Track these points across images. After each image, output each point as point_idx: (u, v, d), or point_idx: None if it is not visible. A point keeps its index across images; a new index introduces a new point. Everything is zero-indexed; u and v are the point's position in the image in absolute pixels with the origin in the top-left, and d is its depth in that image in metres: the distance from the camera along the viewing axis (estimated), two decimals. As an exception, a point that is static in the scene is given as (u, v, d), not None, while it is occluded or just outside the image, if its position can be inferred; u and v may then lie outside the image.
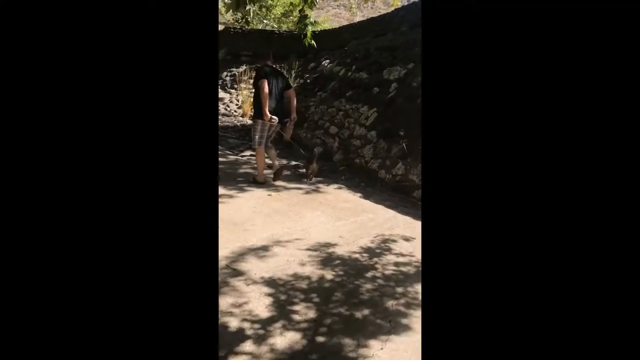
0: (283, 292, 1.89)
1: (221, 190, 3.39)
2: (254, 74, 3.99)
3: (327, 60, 6.56)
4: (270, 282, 1.97)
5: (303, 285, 1.97)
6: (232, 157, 4.75)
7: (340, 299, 1.87)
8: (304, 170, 4.08)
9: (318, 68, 6.68)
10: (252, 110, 3.81)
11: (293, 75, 6.60)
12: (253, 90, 3.71)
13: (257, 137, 3.59)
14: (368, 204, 3.34)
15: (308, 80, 6.55)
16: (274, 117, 3.54)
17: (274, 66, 3.77)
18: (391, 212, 3.13)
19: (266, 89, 3.39)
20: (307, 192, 3.55)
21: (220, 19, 12.66)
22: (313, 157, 4.04)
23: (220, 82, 8.33)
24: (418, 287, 1.98)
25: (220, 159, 4.61)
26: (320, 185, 3.81)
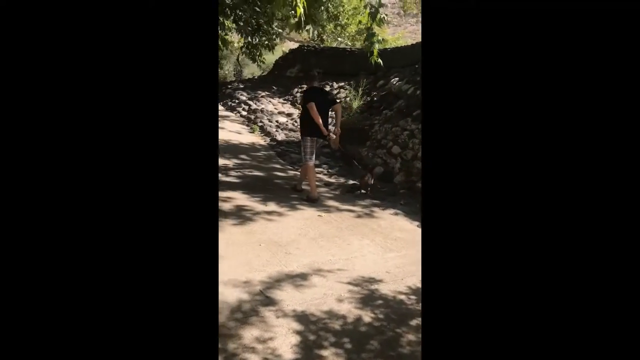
0: (313, 332, 1.72)
1: (273, 207, 3.36)
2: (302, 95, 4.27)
3: (397, 78, 6.34)
4: (301, 318, 1.82)
5: (336, 325, 1.78)
6: (291, 172, 4.76)
7: (376, 349, 1.64)
8: (358, 184, 4.12)
9: (386, 86, 6.49)
10: (300, 129, 4.01)
11: (360, 92, 6.50)
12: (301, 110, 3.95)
13: (308, 153, 3.67)
14: (425, 235, 3.03)
15: (375, 98, 6.39)
16: (332, 134, 3.71)
17: (320, 86, 4.00)
18: (451, 248, 2.79)
19: (315, 110, 3.56)
20: (359, 216, 3.36)
21: (297, 37, 13.20)
22: (368, 172, 4.10)
23: (290, 97, 8.60)
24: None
25: (279, 174, 4.64)
26: (375, 208, 3.59)
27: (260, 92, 9.21)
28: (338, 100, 4.03)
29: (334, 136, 3.76)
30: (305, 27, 2.68)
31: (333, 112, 3.96)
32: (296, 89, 8.61)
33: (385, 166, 4.78)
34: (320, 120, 3.57)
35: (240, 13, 4.80)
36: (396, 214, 3.50)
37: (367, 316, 1.87)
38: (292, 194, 3.79)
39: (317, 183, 4.23)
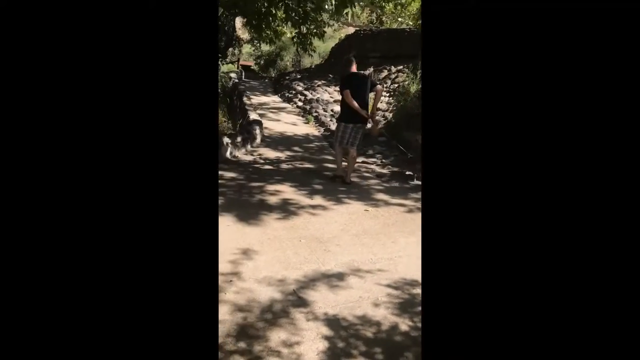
0: (343, 338, 1.63)
1: (319, 200, 3.30)
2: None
3: (459, 57, 5.82)
4: (332, 322, 1.73)
5: (369, 333, 1.67)
6: (343, 164, 4.65)
7: (410, 363, 1.50)
8: (412, 174, 4.07)
9: (448, 66, 6.00)
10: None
11: (418, 76, 6.10)
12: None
13: (338, 137, 3.79)
14: (483, 233, 2.73)
15: (434, 81, 5.95)
16: (370, 119, 3.79)
17: (358, 72, 4.02)
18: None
19: (350, 97, 3.61)
20: (410, 211, 3.15)
21: (355, 22, 12.84)
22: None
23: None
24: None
25: (330, 165, 4.56)
26: (428, 202, 3.34)
27: (316, 81, 9.18)
28: (378, 84, 4.13)
29: (375, 125, 3.81)
30: (343, 10, 2.51)
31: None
32: (352, 76, 8.41)
33: (443, 155, 4.45)
34: (357, 106, 3.59)
35: (289, 3, 4.75)
36: (452, 208, 3.22)
37: (404, 324, 1.73)
38: (340, 187, 3.69)
39: (367, 174, 4.11)
